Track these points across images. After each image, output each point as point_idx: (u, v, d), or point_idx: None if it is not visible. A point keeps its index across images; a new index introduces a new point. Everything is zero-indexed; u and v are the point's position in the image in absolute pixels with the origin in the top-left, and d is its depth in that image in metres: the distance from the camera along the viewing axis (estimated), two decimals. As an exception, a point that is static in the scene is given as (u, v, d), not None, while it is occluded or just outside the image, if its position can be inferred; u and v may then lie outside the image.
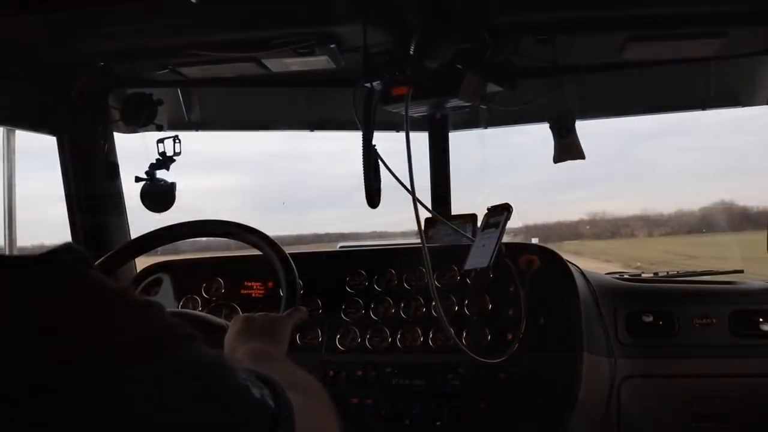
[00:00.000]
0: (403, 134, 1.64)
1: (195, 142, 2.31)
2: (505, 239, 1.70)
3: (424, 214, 2.22)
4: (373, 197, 1.77)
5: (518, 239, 2.50)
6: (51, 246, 0.62)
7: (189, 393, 0.59)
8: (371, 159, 1.75)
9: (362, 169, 1.78)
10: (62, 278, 0.58)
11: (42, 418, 0.51)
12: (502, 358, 1.67)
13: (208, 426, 0.59)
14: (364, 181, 1.76)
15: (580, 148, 1.94)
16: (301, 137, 2.62)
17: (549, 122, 1.94)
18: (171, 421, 0.57)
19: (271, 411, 0.65)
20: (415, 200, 1.62)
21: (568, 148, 1.93)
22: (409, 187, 1.62)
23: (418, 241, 1.65)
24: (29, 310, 0.54)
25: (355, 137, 1.84)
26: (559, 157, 1.96)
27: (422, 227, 1.63)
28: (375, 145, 1.77)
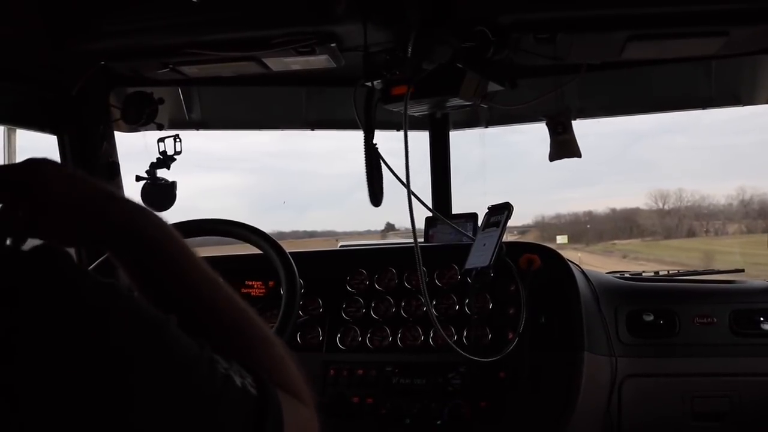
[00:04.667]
0: (402, 133, 1.64)
1: (193, 141, 2.32)
2: (511, 238, 1.70)
3: (425, 213, 2.23)
4: (376, 196, 1.77)
5: (530, 237, 2.49)
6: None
7: (168, 385, 0.59)
8: (373, 158, 1.74)
9: (364, 168, 1.77)
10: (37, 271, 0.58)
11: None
12: (497, 357, 1.67)
13: (188, 418, 0.59)
14: (367, 181, 1.76)
15: (577, 145, 1.94)
16: (299, 136, 2.62)
17: (546, 119, 1.94)
18: (149, 412, 0.57)
19: (254, 399, 0.64)
20: (410, 199, 1.62)
21: (564, 146, 1.92)
22: (409, 188, 1.62)
23: (419, 239, 1.65)
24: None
25: (354, 136, 1.84)
26: (555, 155, 1.95)
27: (415, 226, 1.63)
28: (376, 144, 1.77)
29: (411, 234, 1.67)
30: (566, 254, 1.95)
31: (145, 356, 0.58)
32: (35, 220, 0.73)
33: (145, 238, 0.76)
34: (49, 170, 0.74)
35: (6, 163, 2.06)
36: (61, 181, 0.74)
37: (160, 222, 0.79)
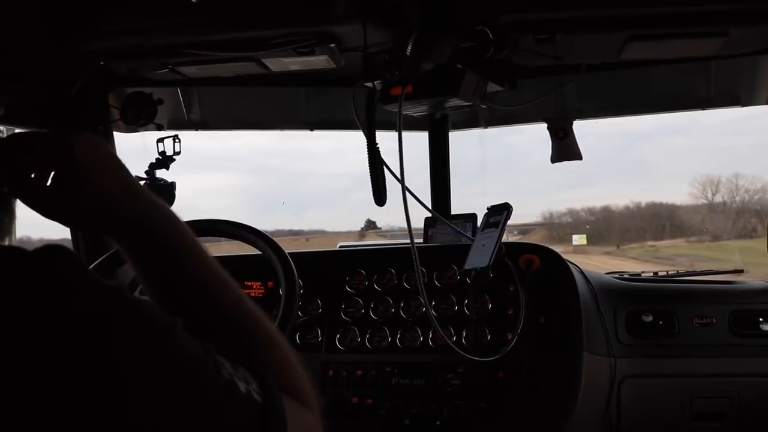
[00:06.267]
0: (402, 133, 1.64)
1: (191, 141, 2.31)
2: (512, 239, 1.70)
3: (424, 214, 2.23)
4: (381, 196, 1.77)
5: (536, 238, 2.47)
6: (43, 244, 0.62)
7: (170, 389, 0.58)
8: (376, 158, 1.74)
9: (368, 168, 1.77)
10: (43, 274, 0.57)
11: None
12: (497, 356, 1.67)
13: (190, 422, 0.59)
14: (371, 181, 1.76)
15: (578, 148, 1.94)
16: (298, 136, 2.62)
17: (547, 123, 1.94)
18: (150, 416, 0.56)
19: (258, 406, 0.64)
20: (405, 198, 1.62)
21: (565, 149, 1.93)
22: (406, 187, 1.62)
23: (418, 239, 1.65)
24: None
25: (353, 137, 1.83)
26: (557, 158, 1.96)
27: (411, 226, 1.63)
28: (377, 145, 1.76)
29: (393, 233, 1.67)
30: (597, 261, 1.92)
31: (148, 360, 0.58)
32: (55, 191, 0.72)
33: (157, 232, 0.75)
34: (82, 148, 0.72)
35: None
36: (89, 160, 0.72)
37: (174, 217, 0.78)
